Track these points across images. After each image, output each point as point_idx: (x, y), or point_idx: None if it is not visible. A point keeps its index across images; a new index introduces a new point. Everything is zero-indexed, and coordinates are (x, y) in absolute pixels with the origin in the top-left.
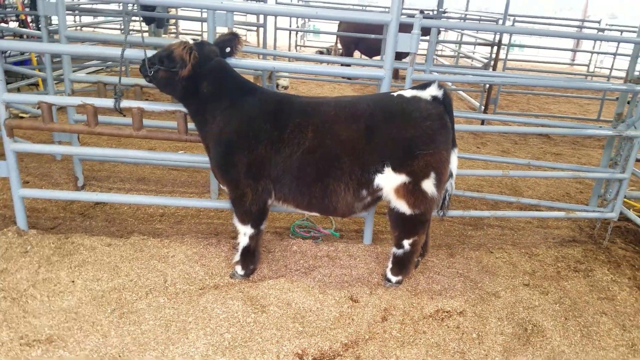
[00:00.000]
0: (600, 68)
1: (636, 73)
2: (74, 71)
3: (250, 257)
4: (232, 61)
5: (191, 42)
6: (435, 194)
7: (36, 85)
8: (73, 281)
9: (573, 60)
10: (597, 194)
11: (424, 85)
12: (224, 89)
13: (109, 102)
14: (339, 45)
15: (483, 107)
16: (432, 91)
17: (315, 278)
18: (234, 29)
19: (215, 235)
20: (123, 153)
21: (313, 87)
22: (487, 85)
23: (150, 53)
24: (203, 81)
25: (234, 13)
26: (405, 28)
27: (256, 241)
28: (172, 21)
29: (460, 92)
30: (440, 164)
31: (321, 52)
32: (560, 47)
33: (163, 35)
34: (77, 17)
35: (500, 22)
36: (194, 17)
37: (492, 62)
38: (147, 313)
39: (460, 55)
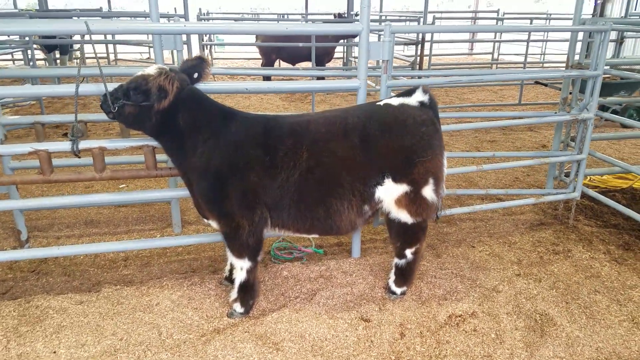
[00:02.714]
0: (504, 55)
1: (575, 57)
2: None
3: (249, 293)
4: (200, 86)
5: (156, 71)
6: (434, 200)
7: None
8: (55, 352)
9: (471, 49)
10: (553, 175)
11: (408, 92)
12: (202, 118)
13: (65, 146)
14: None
15: None
16: (419, 97)
17: (319, 303)
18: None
19: (193, 272)
20: (70, 200)
21: (240, 100)
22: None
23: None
24: (177, 112)
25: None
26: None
27: (254, 274)
28: (77, 46)
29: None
30: (438, 169)
31: None
32: (458, 39)
33: (67, 62)
34: None
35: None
36: (99, 41)
37: (418, 61)
38: None
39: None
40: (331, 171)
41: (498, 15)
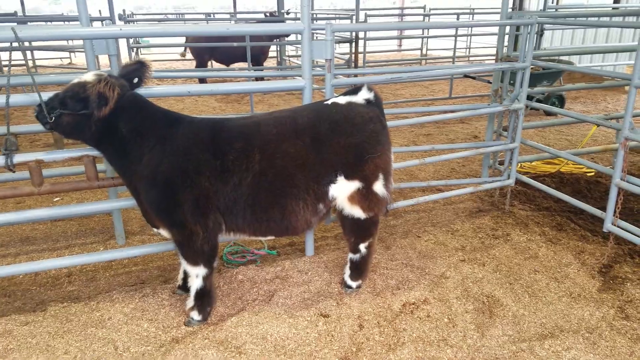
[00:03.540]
0: (432, 50)
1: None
2: None
3: (206, 299)
4: (140, 91)
5: (93, 77)
6: (385, 194)
7: None
8: None
9: (400, 45)
10: (487, 164)
11: (354, 90)
12: (146, 124)
13: None
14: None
15: None
16: (364, 95)
17: (278, 303)
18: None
19: (142, 283)
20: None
21: (173, 103)
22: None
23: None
24: (119, 120)
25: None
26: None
27: (210, 281)
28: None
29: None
30: (387, 165)
31: (183, 56)
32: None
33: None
34: None
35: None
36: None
37: (353, 59)
38: None
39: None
40: (285, 172)
41: (425, 11)
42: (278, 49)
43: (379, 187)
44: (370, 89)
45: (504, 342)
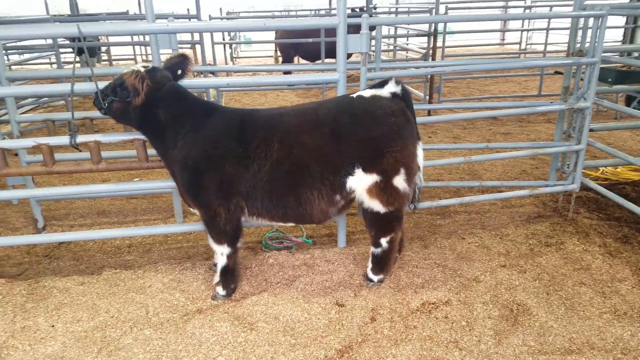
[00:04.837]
0: (532, 44)
1: (577, 45)
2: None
3: (230, 276)
4: (184, 82)
5: (142, 69)
6: (407, 189)
7: None
8: (53, 325)
9: (503, 40)
10: (555, 167)
11: (381, 84)
12: (182, 113)
13: (64, 140)
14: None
15: (427, 97)
16: (391, 88)
17: (297, 288)
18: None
19: (188, 258)
20: (80, 189)
21: (257, 97)
22: (429, 76)
23: (102, 84)
24: (159, 108)
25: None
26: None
27: (234, 259)
28: (104, 49)
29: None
30: (409, 159)
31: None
32: (489, 29)
33: (96, 64)
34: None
35: (434, 12)
36: (124, 42)
37: (431, 52)
38: (135, 347)
39: (397, 48)
40: (301, 162)
41: (526, 3)
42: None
43: (399, 181)
44: (398, 83)
45: (520, 352)
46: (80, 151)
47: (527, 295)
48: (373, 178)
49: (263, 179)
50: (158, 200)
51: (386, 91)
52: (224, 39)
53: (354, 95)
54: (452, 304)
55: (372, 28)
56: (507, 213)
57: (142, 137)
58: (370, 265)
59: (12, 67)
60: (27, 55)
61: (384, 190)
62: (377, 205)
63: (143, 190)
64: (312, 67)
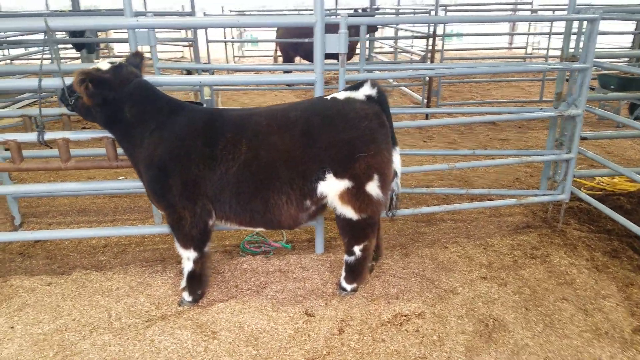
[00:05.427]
0: (538, 49)
1: (571, 50)
2: (5, 106)
3: (197, 282)
4: (160, 79)
5: (107, 66)
6: (380, 196)
7: None
8: (12, 327)
9: (511, 44)
10: (547, 176)
11: (356, 86)
12: (148, 111)
13: (32, 136)
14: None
15: (426, 101)
16: (366, 90)
17: (267, 296)
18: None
19: (162, 261)
20: (56, 187)
21: (255, 97)
22: (428, 78)
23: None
24: (124, 105)
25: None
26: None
27: (201, 265)
28: (103, 45)
29: (403, 88)
30: (383, 165)
31: None
32: (496, 32)
33: (95, 60)
34: (6, 51)
35: (433, 13)
36: (123, 39)
37: (430, 54)
38: (91, 353)
39: (399, 50)
40: (269, 165)
41: (532, 6)
42: (368, 44)
43: (372, 188)
44: (374, 85)
45: None
46: (51, 148)
47: (505, 310)
48: (345, 184)
49: (230, 181)
50: (140, 200)
51: (361, 93)
52: (225, 37)
53: (328, 97)
54: (425, 316)
55: (373, 29)
56: (495, 222)
57: (112, 135)
58: (343, 273)
59: (14, 61)
60: (32, 49)
61: (356, 196)
62: (349, 212)
63: (123, 190)
64: (300, 67)
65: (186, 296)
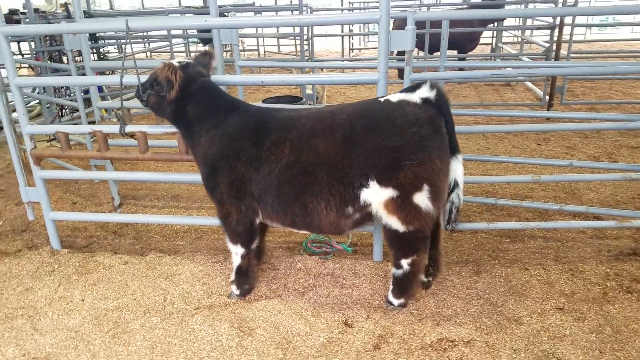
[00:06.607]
0: None
1: None
2: (112, 99)
3: (244, 277)
4: (224, 78)
5: (176, 63)
6: (431, 209)
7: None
8: (83, 300)
9: None
10: None
11: (414, 87)
12: (208, 109)
13: (115, 128)
14: None
15: (547, 98)
16: (423, 92)
17: (310, 299)
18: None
19: (225, 251)
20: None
21: (362, 91)
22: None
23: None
24: (188, 103)
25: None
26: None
27: (249, 260)
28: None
29: (527, 83)
30: (434, 175)
31: None
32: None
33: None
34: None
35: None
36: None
37: (555, 48)
38: (138, 333)
39: (525, 41)
40: (309, 168)
41: None
42: (494, 35)
43: (421, 199)
44: (432, 87)
45: None
46: (135, 139)
47: (574, 350)
48: (389, 193)
49: (272, 183)
50: None
51: (417, 96)
52: (342, 31)
53: (382, 99)
54: (474, 345)
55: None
56: (595, 245)
57: None
58: (391, 287)
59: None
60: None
61: (402, 207)
62: (395, 223)
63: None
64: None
65: (234, 289)
